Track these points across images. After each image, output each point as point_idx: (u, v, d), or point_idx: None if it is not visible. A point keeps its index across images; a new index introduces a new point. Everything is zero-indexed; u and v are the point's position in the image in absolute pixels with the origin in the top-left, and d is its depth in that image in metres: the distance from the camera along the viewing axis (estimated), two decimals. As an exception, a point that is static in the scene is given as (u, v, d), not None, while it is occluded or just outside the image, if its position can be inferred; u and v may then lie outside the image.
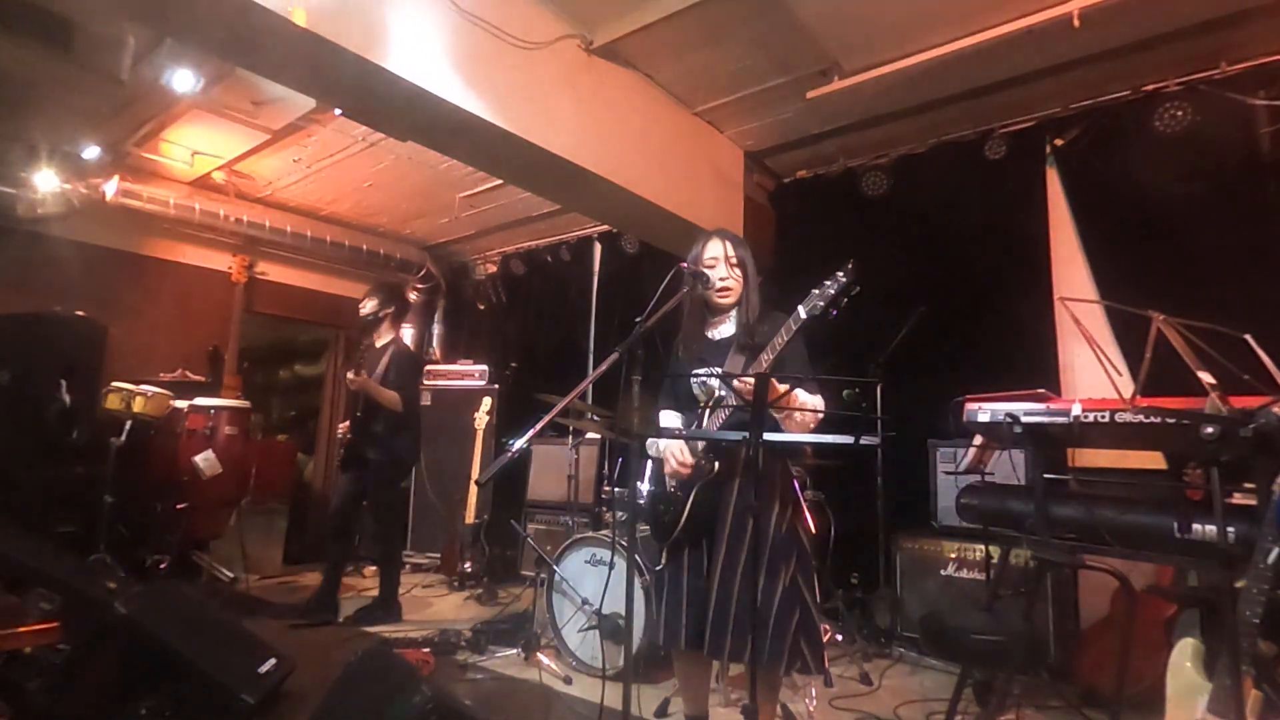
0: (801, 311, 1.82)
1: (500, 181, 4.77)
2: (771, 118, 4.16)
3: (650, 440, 2.10)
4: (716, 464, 1.96)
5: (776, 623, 1.82)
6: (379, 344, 4.01)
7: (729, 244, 2.09)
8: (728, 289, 2.04)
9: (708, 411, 2.01)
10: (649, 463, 2.25)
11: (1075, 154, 3.75)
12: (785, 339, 1.85)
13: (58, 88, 3.75)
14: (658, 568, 2.04)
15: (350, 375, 3.73)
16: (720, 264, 2.06)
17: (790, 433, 1.89)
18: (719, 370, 1.98)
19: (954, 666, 3.10)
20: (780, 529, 1.93)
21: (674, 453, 2.00)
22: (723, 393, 1.95)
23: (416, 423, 4.08)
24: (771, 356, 1.86)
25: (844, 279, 1.81)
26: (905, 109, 3.94)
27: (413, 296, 6.67)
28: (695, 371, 2.05)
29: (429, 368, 6.04)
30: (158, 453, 4.53)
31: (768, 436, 1.72)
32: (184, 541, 4.31)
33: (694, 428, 2.05)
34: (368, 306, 3.98)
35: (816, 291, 1.84)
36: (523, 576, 4.81)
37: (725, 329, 2.10)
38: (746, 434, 1.74)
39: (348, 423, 3.97)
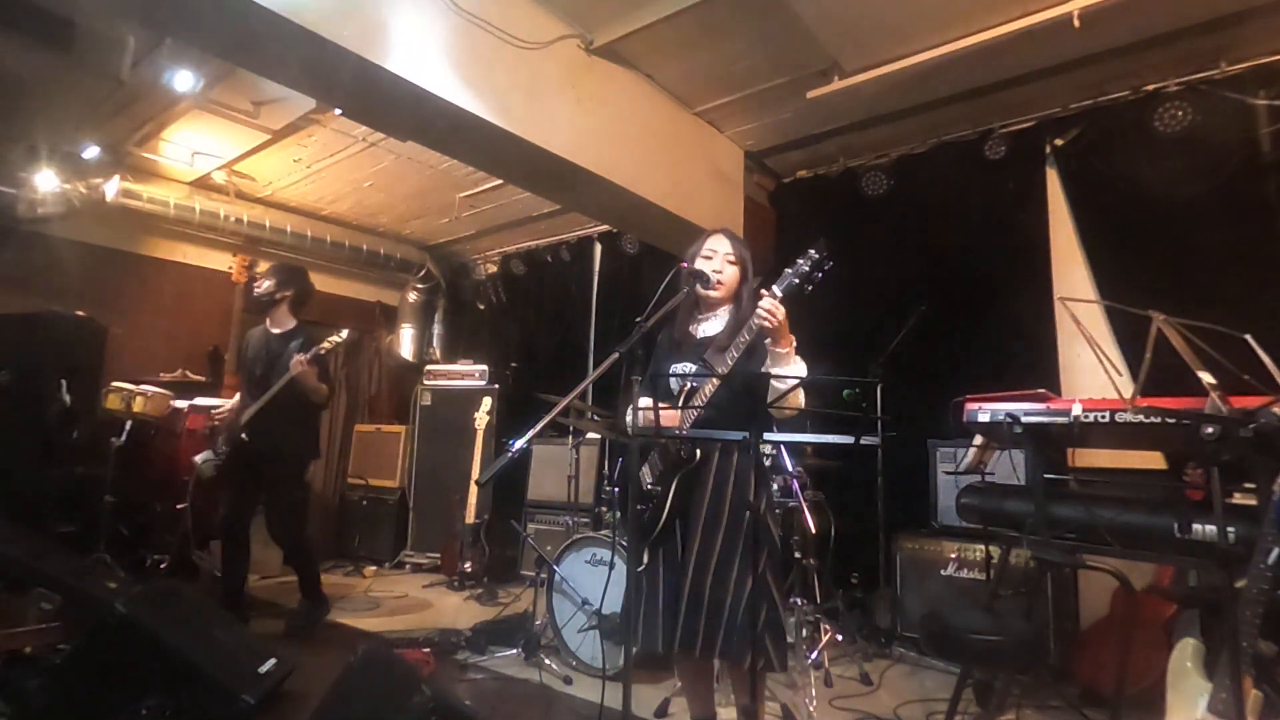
0: (776, 290, 1.85)
1: (500, 181, 4.77)
2: (771, 118, 4.16)
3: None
4: (697, 452, 1.96)
5: (744, 618, 1.81)
6: (277, 331, 3.60)
7: (730, 240, 2.10)
8: (720, 283, 2.04)
9: (681, 407, 1.99)
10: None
11: (1075, 154, 3.75)
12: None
13: (58, 88, 3.75)
14: (639, 569, 2.00)
15: (300, 358, 3.32)
16: (717, 257, 2.07)
17: (782, 423, 1.89)
18: (700, 366, 1.99)
19: (954, 666, 3.09)
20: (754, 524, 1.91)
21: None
22: (696, 386, 1.96)
23: (318, 417, 3.79)
24: (749, 337, 1.89)
25: (815, 255, 1.84)
26: (905, 109, 3.93)
27: (413, 297, 6.68)
28: (676, 369, 2.05)
29: (429, 368, 6.04)
30: (158, 453, 4.53)
31: (767, 436, 1.72)
32: (184, 541, 4.31)
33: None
34: (263, 285, 3.62)
35: (789, 270, 1.87)
36: (523, 576, 4.82)
37: (713, 326, 2.09)
38: (746, 434, 1.74)
39: (229, 415, 3.56)
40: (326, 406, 3.70)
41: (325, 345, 3.42)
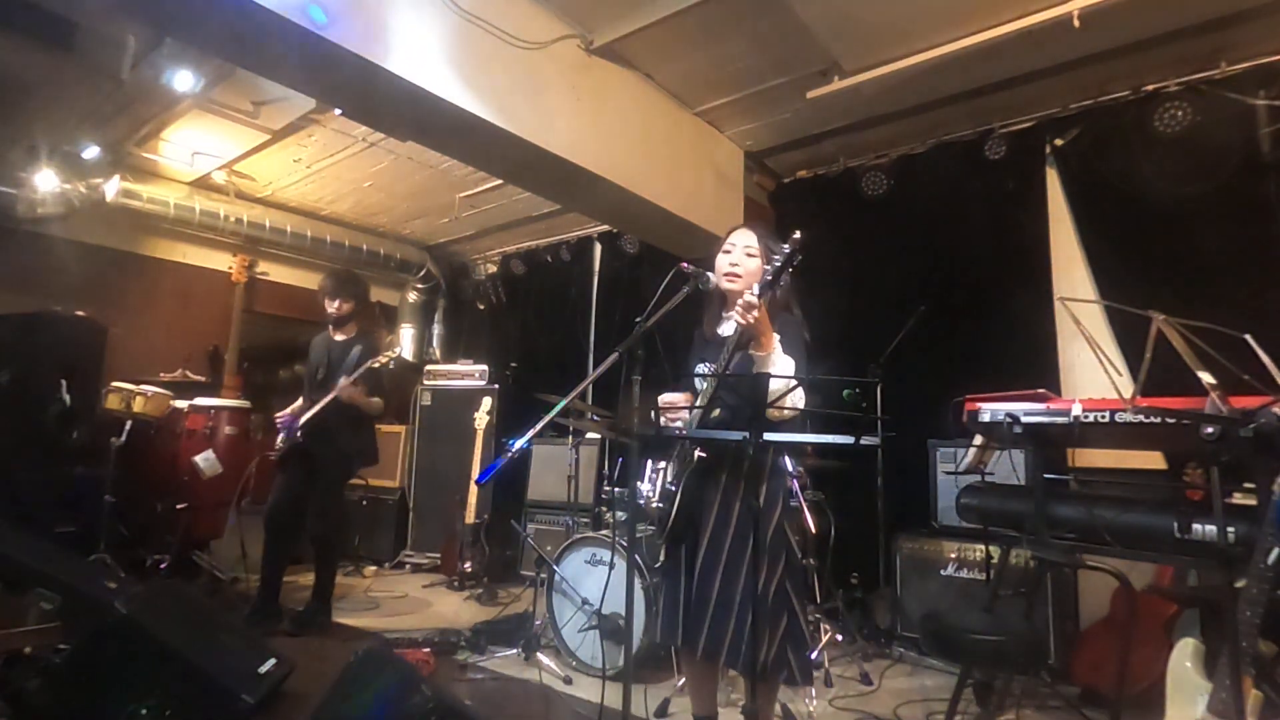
0: (755, 287, 1.83)
1: (500, 181, 4.77)
2: (771, 118, 4.16)
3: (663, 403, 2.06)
4: (698, 452, 1.96)
5: (757, 625, 1.79)
6: (340, 338, 3.74)
7: (752, 234, 2.07)
8: (735, 275, 2.02)
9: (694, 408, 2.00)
10: (648, 462, 2.25)
11: (1075, 154, 3.75)
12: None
13: (58, 88, 3.75)
14: (656, 564, 2.05)
15: (345, 382, 3.44)
16: (736, 250, 2.04)
17: (782, 424, 1.88)
18: (710, 366, 1.99)
19: (954, 666, 3.09)
20: (766, 530, 1.89)
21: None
22: (704, 386, 1.97)
23: (373, 425, 3.87)
24: (734, 340, 1.89)
25: (788, 250, 1.82)
26: (905, 109, 3.93)
27: (412, 297, 6.68)
28: (699, 369, 2.06)
29: (429, 368, 6.05)
30: (158, 453, 4.53)
31: (768, 436, 1.72)
32: (184, 541, 4.30)
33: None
34: (345, 309, 3.71)
35: (766, 267, 1.86)
36: (523, 576, 4.82)
37: (733, 324, 2.09)
38: (747, 434, 1.74)
39: (289, 412, 3.64)
40: (380, 417, 3.81)
41: (377, 363, 3.52)
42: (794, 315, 2.02)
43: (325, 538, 3.72)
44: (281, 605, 3.65)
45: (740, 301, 1.79)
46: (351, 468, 3.84)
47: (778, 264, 1.82)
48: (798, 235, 1.81)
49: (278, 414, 3.69)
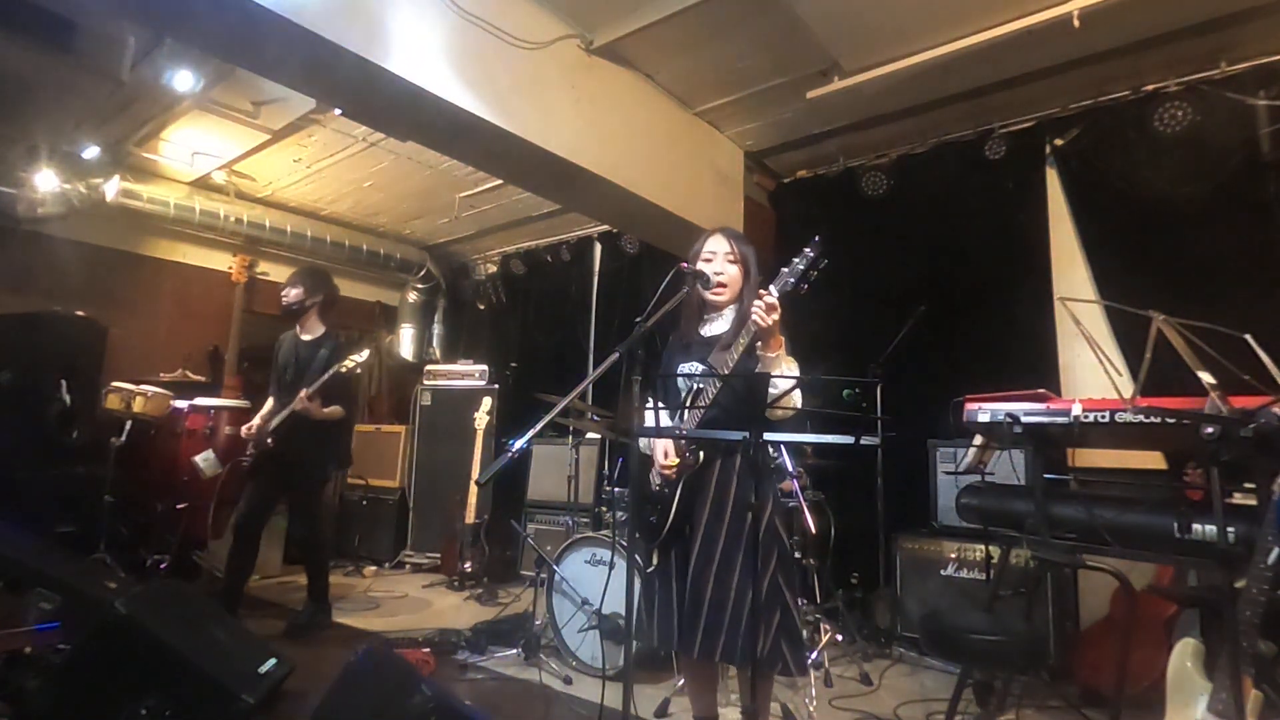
0: (774, 289, 1.84)
1: (500, 181, 4.78)
2: (771, 118, 4.16)
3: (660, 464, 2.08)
4: (701, 454, 1.96)
5: (746, 620, 1.79)
6: (306, 338, 3.65)
7: (729, 240, 2.08)
8: (722, 285, 2.04)
9: (687, 408, 2.00)
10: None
11: (1075, 154, 3.75)
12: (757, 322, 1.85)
13: (58, 88, 3.75)
14: (649, 570, 2.02)
15: (302, 395, 3.36)
16: (717, 259, 2.06)
17: (782, 424, 1.88)
18: (705, 367, 1.98)
19: (954, 666, 3.09)
20: (760, 526, 1.88)
21: (658, 451, 2.01)
22: (702, 386, 1.96)
23: (350, 426, 3.80)
24: (745, 340, 1.88)
25: (811, 254, 1.84)
26: (905, 109, 3.93)
27: (413, 297, 6.68)
28: (682, 370, 2.04)
29: (429, 367, 6.05)
30: (158, 453, 4.53)
31: (767, 436, 1.72)
32: (184, 541, 4.31)
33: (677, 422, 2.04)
34: (292, 294, 3.63)
35: (785, 269, 1.87)
36: (523, 576, 4.82)
37: (719, 325, 2.09)
38: (746, 434, 1.74)
39: (258, 422, 3.57)
40: (350, 420, 3.76)
41: (343, 368, 3.47)
42: None
43: (310, 541, 3.72)
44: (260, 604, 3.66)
45: (762, 302, 1.80)
46: (326, 472, 3.82)
47: (801, 267, 1.84)
48: (818, 239, 1.82)
49: (244, 426, 3.61)
